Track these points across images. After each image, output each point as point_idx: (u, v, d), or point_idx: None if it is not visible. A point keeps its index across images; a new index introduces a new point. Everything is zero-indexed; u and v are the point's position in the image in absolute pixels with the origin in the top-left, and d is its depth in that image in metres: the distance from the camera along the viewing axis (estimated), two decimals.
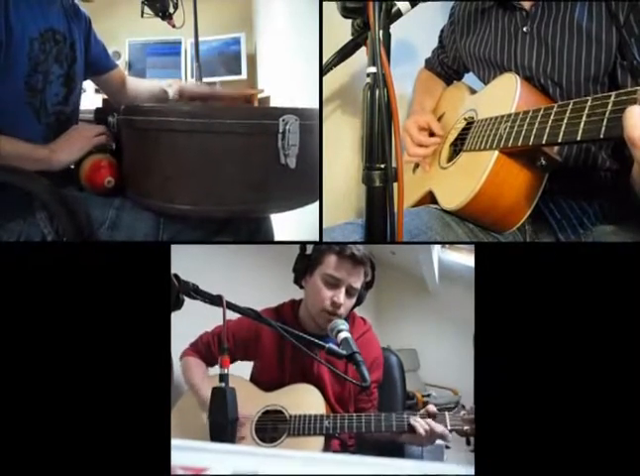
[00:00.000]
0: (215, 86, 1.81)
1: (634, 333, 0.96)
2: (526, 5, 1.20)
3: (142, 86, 1.57)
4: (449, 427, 1.07)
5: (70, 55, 1.26)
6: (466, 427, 1.06)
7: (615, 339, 0.96)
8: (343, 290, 1.14)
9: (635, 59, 1.03)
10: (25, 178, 1.11)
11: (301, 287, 1.23)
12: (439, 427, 1.06)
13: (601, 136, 0.85)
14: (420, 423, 1.06)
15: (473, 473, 0.93)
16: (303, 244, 1.19)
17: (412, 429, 1.07)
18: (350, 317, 1.20)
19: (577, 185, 1.20)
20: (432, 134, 1.36)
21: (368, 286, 1.19)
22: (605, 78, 1.10)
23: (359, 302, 1.20)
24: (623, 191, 1.18)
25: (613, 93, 0.85)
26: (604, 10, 1.07)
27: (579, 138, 0.89)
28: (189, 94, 1.51)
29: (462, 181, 1.17)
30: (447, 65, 1.53)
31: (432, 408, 1.09)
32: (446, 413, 1.09)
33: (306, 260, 1.18)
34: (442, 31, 1.53)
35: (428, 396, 2.58)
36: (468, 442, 1.08)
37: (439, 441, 1.08)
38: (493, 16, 1.29)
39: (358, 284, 1.15)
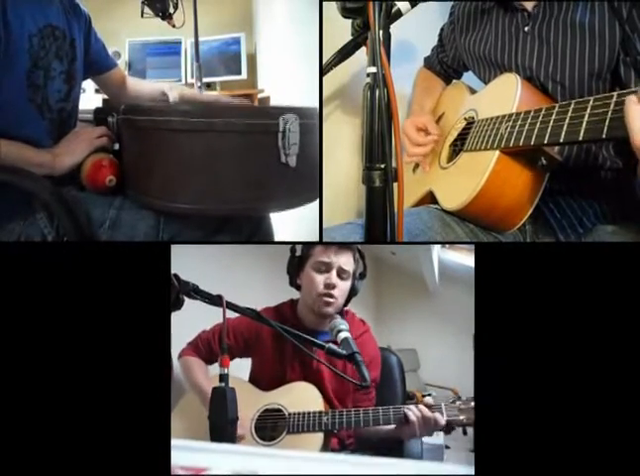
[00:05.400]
0: (216, 94, 1.83)
1: (634, 333, 0.96)
2: (528, 6, 1.19)
3: (142, 88, 1.57)
4: (445, 418, 1.07)
5: (70, 52, 1.25)
6: (462, 417, 1.07)
7: (615, 339, 0.96)
8: (334, 272, 1.18)
9: (639, 54, 1.03)
10: (25, 178, 1.10)
11: (297, 288, 1.24)
12: (431, 413, 1.07)
13: (604, 136, 0.85)
14: (413, 411, 1.07)
15: (473, 473, 0.93)
16: (293, 245, 1.24)
17: (407, 418, 1.08)
18: (349, 318, 1.21)
19: (577, 185, 1.20)
20: (429, 135, 1.36)
21: (361, 276, 1.22)
22: (607, 75, 1.10)
23: (354, 292, 1.22)
24: (624, 191, 1.19)
25: (615, 93, 0.84)
26: (606, 6, 1.07)
27: (581, 138, 0.89)
28: (189, 101, 1.50)
29: (462, 181, 1.17)
30: (446, 64, 1.53)
31: (429, 399, 1.11)
32: (442, 403, 1.10)
33: (296, 259, 1.23)
34: (442, 29, 1.52)
35: (428, 395, 2.58)
36: (464, 432, 1.09)
37: (439, 441, 1.09)
38: (494, 16, 1.28)
39: (348, 266, 1.19)
